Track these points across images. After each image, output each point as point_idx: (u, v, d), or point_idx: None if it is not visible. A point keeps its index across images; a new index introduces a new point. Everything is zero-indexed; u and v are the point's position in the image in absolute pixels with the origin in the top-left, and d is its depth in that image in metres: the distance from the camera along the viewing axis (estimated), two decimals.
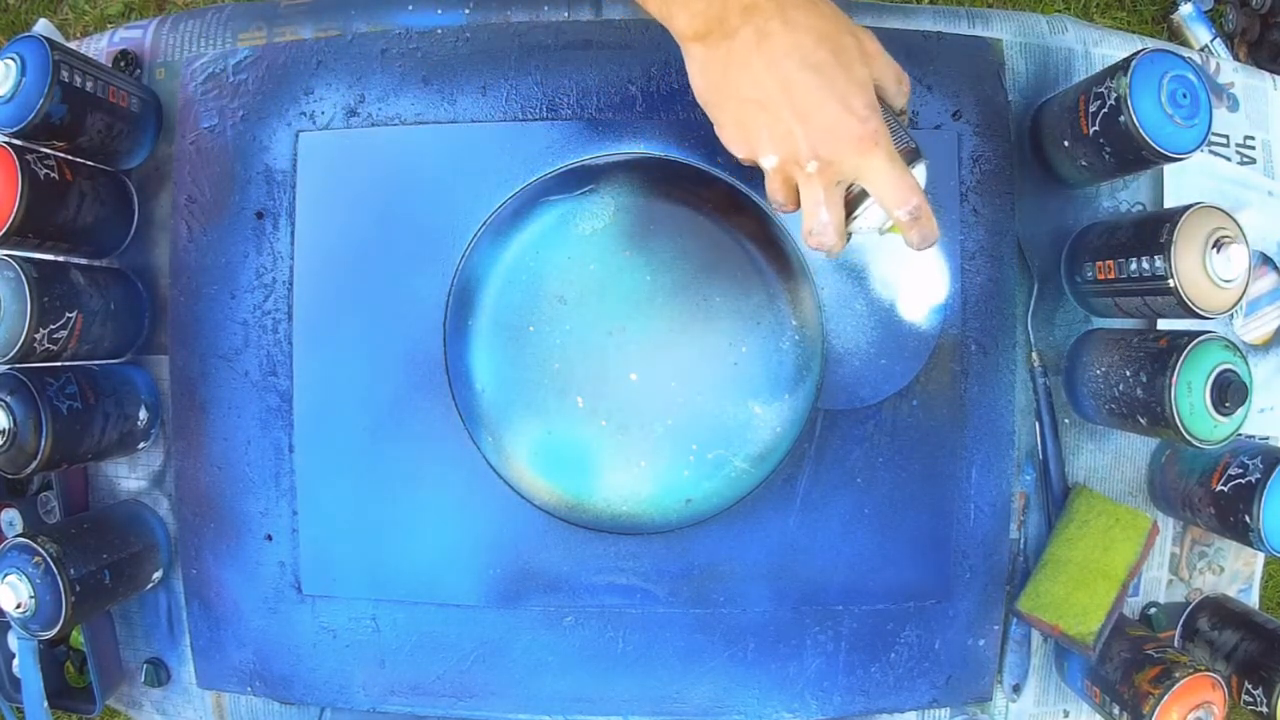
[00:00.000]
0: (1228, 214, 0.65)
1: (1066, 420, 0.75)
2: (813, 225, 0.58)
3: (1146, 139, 0.64)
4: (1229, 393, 0.63)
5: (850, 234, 0.60)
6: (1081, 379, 0.72)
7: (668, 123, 0.72)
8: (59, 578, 0.65)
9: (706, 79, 0.57)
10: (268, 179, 0.73)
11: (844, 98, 0.54)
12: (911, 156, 0.58)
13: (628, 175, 0.70)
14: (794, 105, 0.54)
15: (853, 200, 0.58)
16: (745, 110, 0.56)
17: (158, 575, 0.75)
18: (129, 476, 0.77)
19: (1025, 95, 0.75)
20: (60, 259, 0.72)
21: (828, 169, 0.55)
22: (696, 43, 0.56)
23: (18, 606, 0.65)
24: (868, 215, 0.59)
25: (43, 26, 0.90)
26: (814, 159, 0.55)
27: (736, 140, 0.58)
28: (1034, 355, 0.74)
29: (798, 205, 0.59)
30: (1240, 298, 0.65)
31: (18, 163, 0.64)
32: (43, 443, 0.65)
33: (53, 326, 0.66)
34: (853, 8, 0.76)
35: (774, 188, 0.59)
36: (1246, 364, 0.64)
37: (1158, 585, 0.77)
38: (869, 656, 0.73)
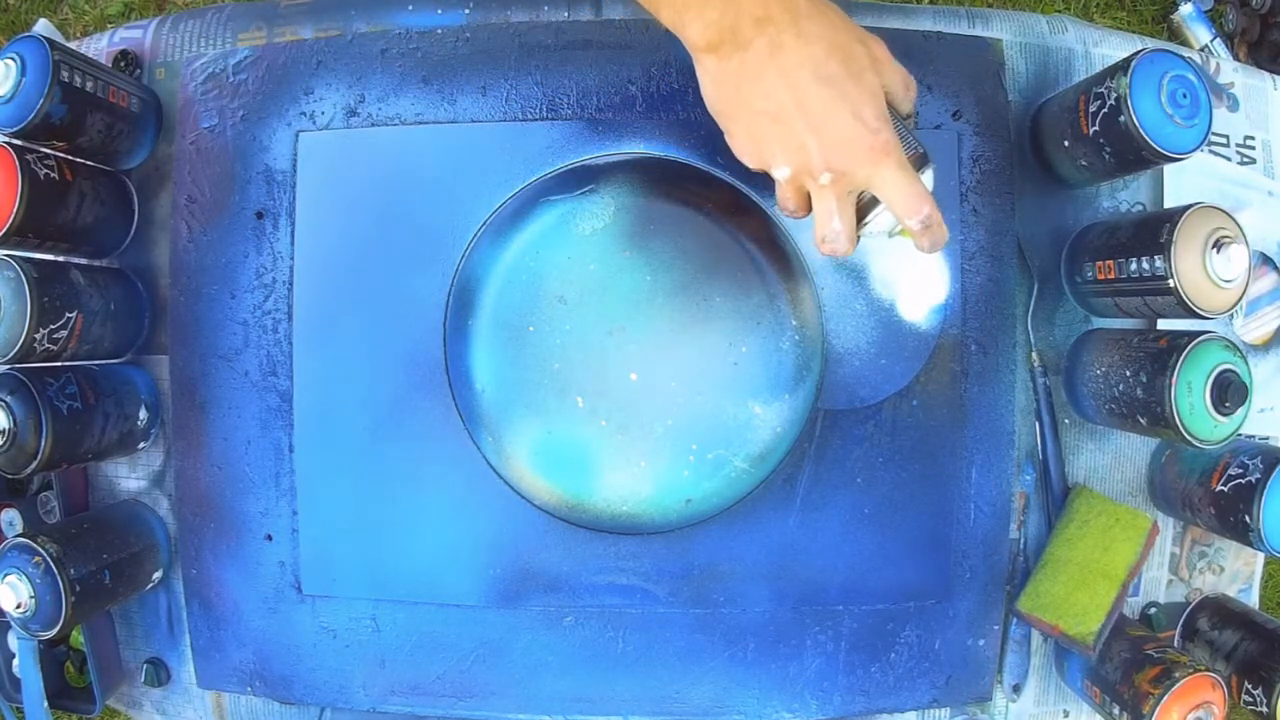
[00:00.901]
0: (1228, 214, 0.65)
1: (1066, 420, 0.75)
2: (825, 233, 0.58)
3: (1146, 139, 0.64)
4: (1229, 393, 0.63)
5: (860, 238, 0.60)
6: (1081, 379, 0.72)
7: (668, 123, 0.72)
8: (59, 578, 0.65)
9: (719, 90, 0.57)
10: (268, 179, 0.73)
11: (856, 109, 0.54)
12: (920, 162, 0.59)
13: (628, 175, 0.69)
14: (807, 117, 0.54)
15: (863, 206, 0.59)
16: (758, 122, 0.56)
17: (158, 575, 0.75)
18: (129, 476, 0.77)
19: (1025, 95, 0.75)
20: (60, 259, 0.72)
21: (841, 179, 0.56)
22: (709, 54, 0.56)
23: (18, 606, 0.65)
24: (878, 221, 0.60)
25: (43, 26, 0.90)
26: (827, 170, 0.55)
27: (748, 151, 0.58)
28: (1034, 355, 0.74)
29: (808, 212, 0.59)
30: (1240, 298, 0.65)
31: (18, 163, 0.64)
32: (43, 443, 0.65)
33: (53, 326, 0.66)
34: (853, 8, 0.76)
35: (785, 196, 0.59)
36: (1246, 364, 0.64)
37: (1158, 585, 0.77)
38: (869, 656, 0.73)
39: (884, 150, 0.55)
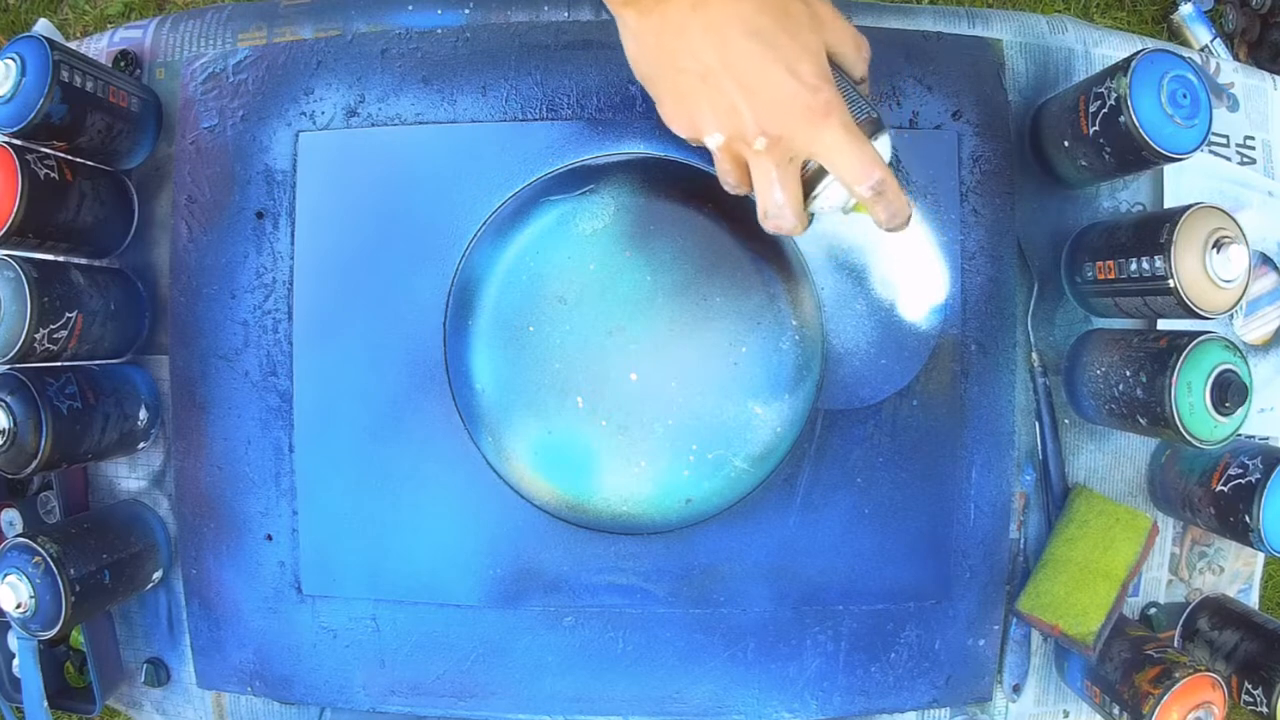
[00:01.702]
0: (1228, 214, 0.65)
1: (1066, 420, 0.75)
2: (767, 207, 0.54)
3: (1146, 139, 0.64)
4: (1229, 393, 0.63)
5: (812, 215, 0.56)
6: (1081, 379, 0.72)
7: None
8: (59, 578, 0.65)
9: (641, 49, 0.53)
10: (268, 179, 0.73)
11: (791, 66, 0.50)
12: (873, 128, 0.54)
13: (628, 175, 0.70)
14: (736, 76, 0.50)
15: (811, 178, 0.55)
16: (684, 83, 0.52)
17: (158, 575, 0.75)
18: (129, 476, 0.77)
19: (1025, 95, 0.75)
20: (60, 259, 0.72)
21: (777, 145, 0.51)
22: (627, 8, 0.51)
23: (18, 606, 0.65)
24: (829, 194, 0.55)
25: (43, 26, 0.90)
26: (762, 135, 0.51)
27: (678, 118, 0.54)
28: (1034, 355, 0.74)
29: (751, 184, 0.55)
30: (1240, 298, 0.65)
31: (18, 163, 0.64)
32: (43, 443, 0.65)
33: (53, 326, 0.66)
34: (852, 7, 0.76)
35: (724, 168, 0.55)
36: (1246, 364, 0.64)
37: (1158, 585, 0.77)
38: (869, 656, 0.73)
39: (824, 110, 0.50)
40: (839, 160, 0.51)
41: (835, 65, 0.54)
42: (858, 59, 0.54)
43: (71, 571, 0.66)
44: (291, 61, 0.74)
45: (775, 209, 0.54)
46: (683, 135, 0.54)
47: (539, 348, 0.68)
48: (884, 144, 0.55)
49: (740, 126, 0.51)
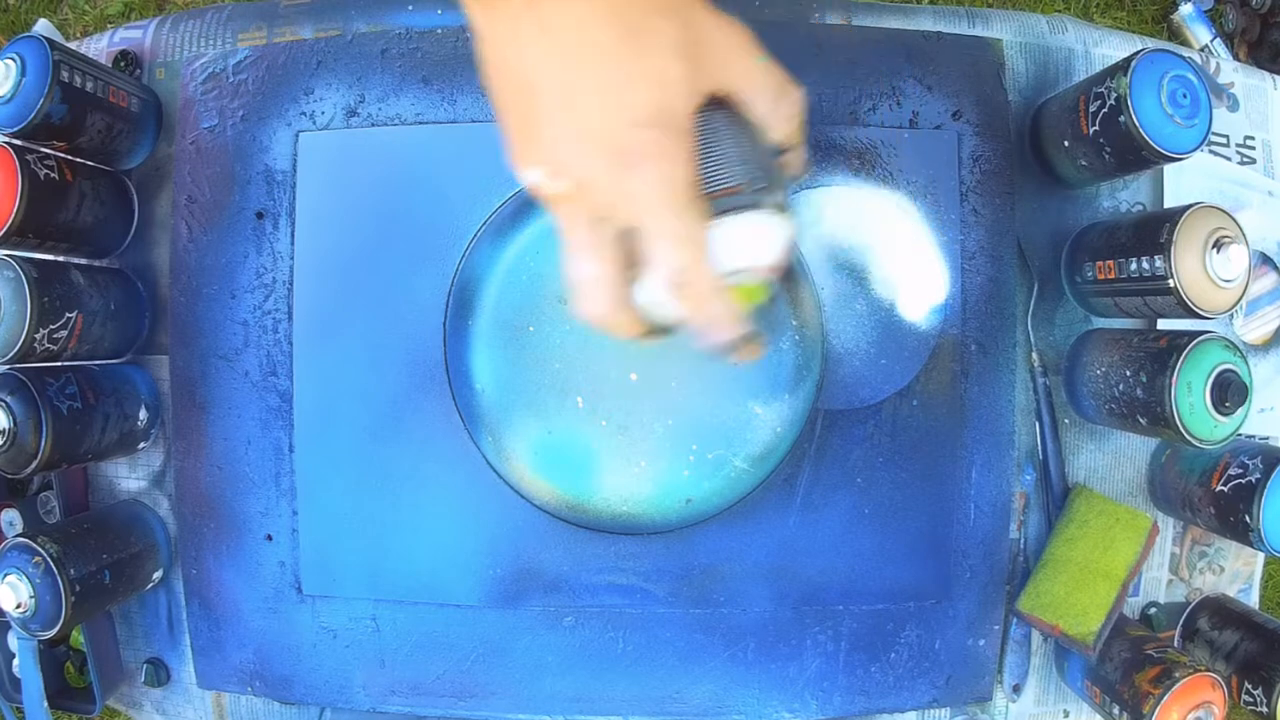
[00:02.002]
0: (1228, 214, 0.65)
1: (1066, 420, 0.75)
2: (570, 278, 0.40)
3: (1146, 139, 0.64)
4: (1229, 393, 0.63)
5: (669, 325, 0.41)
6: (1081, 379, 0.72)
7: None
8: (59, 578, 0.65)
9: (481, 49, 0.41)
10: (268, 179, 0.73)
11: (619, 92, 0.37)
12: (739, 203, 0.38)
13: None
14: (554, 95, 0.38)
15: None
16: (506, 97, 0.40)
17: (158, 575, 0.75)
18: (129, 476, 0.77)
19: (1025, 95, 0.75)
20: (60, 259, 0.72)
21: (580, 193, 0.39)
22: (473, 1, 0.40)
23: (18, 606, 0.65)
24: (655, 280, 0.40)
25: (43, 26, 0.90)
26: (557, 172, 0.39)
27: (508, 142, 0.41)
28: (1034, 355, 0.74)
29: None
30: (1240, 298, 0.65)
31: (18, 163, 0.64)
32: (43, 443, 0.65)
33: (53, 326, 0.66)
34: (852, 7, 0.76)
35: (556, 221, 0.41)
36: (1246, 364, 0.64)
37: (1158, 585, 0.77)
38: (869, 656, 0.73)
39: (636, 152, 0.37)
40: (643, 225, 0.38)
41: (743, 117, 0.41)
42: (772, 112, 0.41)
43: (71, 571, 0.66)
44: (291, 61, 0.74)
45: (577, 283, 0.40)
46: (514, 169, 0.42)
47: (539, 348, 0.68)
48: (747, 229, 0.38)
49: (542, 159, 0.40)
